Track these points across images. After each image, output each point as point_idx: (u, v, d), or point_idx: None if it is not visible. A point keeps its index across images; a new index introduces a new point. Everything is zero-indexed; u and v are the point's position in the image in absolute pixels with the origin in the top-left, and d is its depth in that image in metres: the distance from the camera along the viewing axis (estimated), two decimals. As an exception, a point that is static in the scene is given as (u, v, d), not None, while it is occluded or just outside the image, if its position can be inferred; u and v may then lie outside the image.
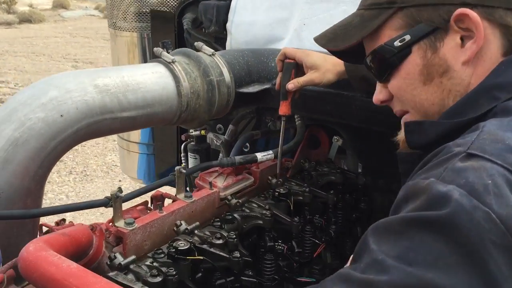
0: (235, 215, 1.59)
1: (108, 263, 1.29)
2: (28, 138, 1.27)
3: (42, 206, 1.50)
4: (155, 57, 1.65)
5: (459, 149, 0.77)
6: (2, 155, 1.25)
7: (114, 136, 4.01)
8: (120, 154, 3.05)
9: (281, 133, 1.72)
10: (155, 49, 1.64)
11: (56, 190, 5.43)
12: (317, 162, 2.01)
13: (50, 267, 1.02)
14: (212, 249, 1.38)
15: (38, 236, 1.49)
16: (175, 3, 2.70)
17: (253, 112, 2.24)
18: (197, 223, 1.49)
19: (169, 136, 2.64)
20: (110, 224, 1.63)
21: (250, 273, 1.43)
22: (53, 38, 14.20)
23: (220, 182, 1.77)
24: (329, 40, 1.14)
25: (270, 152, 1.83)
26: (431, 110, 1.00)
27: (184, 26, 2.45)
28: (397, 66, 1.02)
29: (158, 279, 1.23)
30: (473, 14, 0.89)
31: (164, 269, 1.27)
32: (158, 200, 1.75)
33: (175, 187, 1.63)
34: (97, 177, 5.82)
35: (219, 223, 1.54)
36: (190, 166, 2.42)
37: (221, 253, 1.37)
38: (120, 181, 5.75)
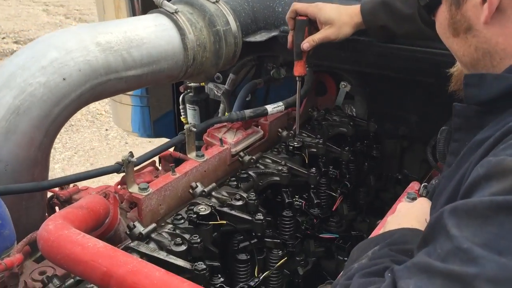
0: (250, 172, 1.53)
1: (128, 232, 1.22)
2: (30, 105, 1.17)
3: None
4: (154, 7, 1.52)
5: None
6: (4, 125, 1.15)
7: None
8: (112, 107, 2.92)
9: (297, 94, 1.63)
10: (154, -3, 1.51)
11: (42, 142, 5.29)
12: (325, 111, 1.94)
13: (75, 247, 0.96)
14: (233, 212, 1.32)
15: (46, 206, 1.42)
16: None
17: (254, 60, 2.13)
18: (214, 184, 1.43)
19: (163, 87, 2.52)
20: (119, 187, 1.57)
21: (270, 232, 1.38)
22: (20, -19, 13.45)
23: (230, 138, 1.69)
24: None
25: (280, 103, 1.75)
26: (463, 60, 0.96)
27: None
28: (435, 12, 0.98)
29: (183, 247, 1.18)
30: None
31: (187, 236, 1.21)
32: (167, 160, 1.67)
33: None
34: (83, 127, 5.67)
35: (235, 182, 1.48)
36: (189, 118, 2.33)
37: (244, 216, 1.31)
38: (107, 130, 5.62)
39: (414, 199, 1.37)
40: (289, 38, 1.57)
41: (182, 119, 2.39)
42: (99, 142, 5.35)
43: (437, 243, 0.66)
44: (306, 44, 1.51)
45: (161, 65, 1.42)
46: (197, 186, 1.42)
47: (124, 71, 1.32)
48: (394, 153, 1.94)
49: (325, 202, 1.66)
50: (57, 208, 1.53)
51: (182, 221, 1.28)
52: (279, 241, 1.34)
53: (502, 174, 0.65)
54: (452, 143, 1.01)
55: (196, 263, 1.12)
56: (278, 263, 1.34)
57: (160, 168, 1.73)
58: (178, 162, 1.72)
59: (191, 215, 1.27)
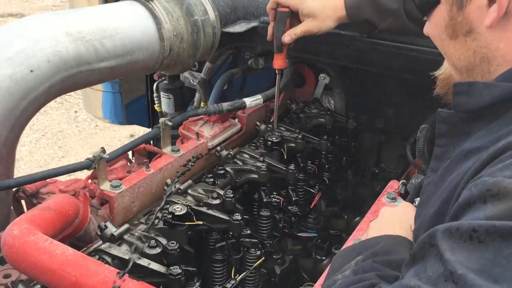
0: (228, 168, 1.49)
1: (99, 233, 1.17)
2: (-6, 99, 1.09)
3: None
4: (129, -6, 1.44)
5: None
6: (-34, 119, 1.08)
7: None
8: (82, 92, 2.81)
9: (276, 88, 1.57)
10: (128, -17, 1.43)
11: (8, 123, 5.11)
12: (304, 103, 1.90)
13: (42, 255, 0.90)
14: (210, 211, 1.28)
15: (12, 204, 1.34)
16: None
17: (232, 48, 2.07)
18: (190, 181, 1.38)
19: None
20: (90, 181, 1.50)
21: (248, 231, 1.35)
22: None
23: (206, 131, 1.64)
24: None
25: (259, 96, 1.70)
26: (458, 64, 0.92)
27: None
28: (431, 12, 0.94)
29: (157, 250, 1.13)
30: None
31: (161, 237, 1.16)
32: (141, 154, 1.61)
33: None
34: (51, 108, 5.49)
35: (211, 179, 1.43)
36: (163, 106, 2.26)
37: (221, 216, 1.27)
38: (76, 112, 5.47)
39: (393, 199, 1.35)
40: (269, 30, 1.51)
41: (156, 108, 2.31)
42: (68, 125, 5.20)
43: (428, 264, 0.64)
44: (287, 37, 1.46)
45: (136, 56, 1.35)
46: (172, 183, 1.37)
47: (96, 62, 1.25)
48: (371, 147, 1.92)
49: (303, 199, 1.63)
50: (23, 201, 1.46)
51: (157, 221, 1.23)
52: (256, 240, 1.31)
53: (498, 197, 0.62)
54: (436, 148, 0.99)
55: (171, 267, 1.08)
56: (256, 263, 1.30)
57: (133, 161, 1.67)
58: (152, 155, 1.66)
59: (166, 215, 1.22)
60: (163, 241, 1.15)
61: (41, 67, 1.13)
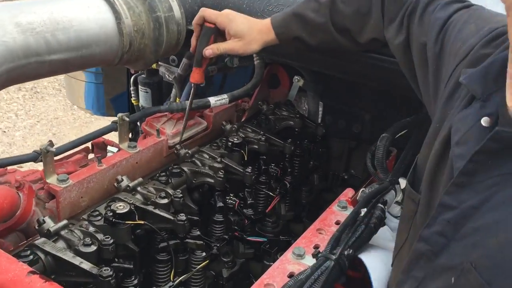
0: (184, 168, 1.47)
1: (37, 227, 1.16)
2: None
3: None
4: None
5: None
6: None
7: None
8: (65, 82, 2.81)
9: (190, 99, 1.55)
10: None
11: (4, 107, 5.12)
12: (275, 105, 1.88)
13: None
14: (156, 211, 1.26)
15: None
16: None
17: (209, 45, 2.05)
18: (140, 179, 1.37)
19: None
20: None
21: (197, 232, 1.33)
22: None
23: (169, 129, 1.62)
24: None
25: (225, 96, 1.68)
26: None
27: None
28: None
29: (92, 248, 1.12)
30: None
31: (100, 236, 1.15)
32: (100, 148, 1.60)
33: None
34: (48, 94, 5.51)
35: (165, 178, 1.42)
36: (141, 101, 2.24)
37: (166, 215, 1.26)
38: (73, 99, 5.47)
39: (344, 208, 1.33)
40: (193, 41, 1.49)
41: (133, 101, 2.30)
42: (64, 112, 5.21)
43: None
44: (209, 50, 1.44)
45: (92, 49, 1.33)
46: (122, 180, 1.36)
47: (47, 54, 1.23)
48: (341, 153, 1.90)
49: (262, 202, 1.62)
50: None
51: (99, 218, 1.22)
52: (201, 242, 1.29)
53: None
54: (468, 163, 0.83)
55: (102, 268, 1.07)
56: (199, 266, 1.29)
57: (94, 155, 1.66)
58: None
59: (107, 212, 1.21)
60: (101, 238, 1.14)
61: (-15, 57, 1.12)
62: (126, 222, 1.20)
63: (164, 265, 1.28)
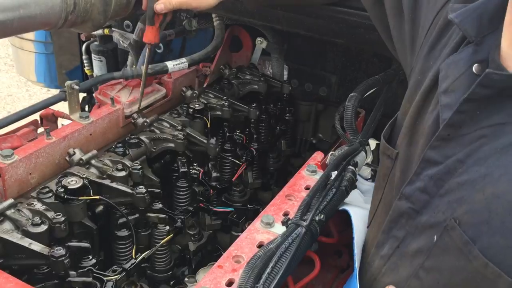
0: (142, 137, 1.37)
1: (-20, 209, 1.05)
2: None
3: None
4: None
5: None
6: None
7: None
8: (13, 54, 2.62)
9: (145, 62, 1.43)
10: None
11: (-47, 85, 4.85)
12: (238, 69, 1.78)
13: None
14: (112, 184, 1.17)
15: None
16: None
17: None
18: (94, 151, 1.26)
19: (68, 32, 2.25)
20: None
21: (159, 205, 1.24)
22: None
23: (124, 97, 1.51)
24: None
25: (184, 60, 1.58)
26: None
27: None
28: None
29: (43, 227, 1.02)
30: None
31: (50, 214, 1.05)
32: (49, 120, 1.48)
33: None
34: (0, 71, 5.23)
35: (122, 149, 1.32)
36: (95, 70, 2.11)
37: (124, 188, 1.16)
38: (28, 75, 5.21)
39: (313, 172, 1.27)
40: None
41: (87, 71, 2.16)
42: (18, 88, 4.96)
43: None
44: (161, 5, 1.31)
45: (31, 10, 1.20)
46: (74, 153, 1.25)
47: (-22, 16, 1.10)
48: (308, 117, 1.83)
49: (228, 171, 1.54)
50: None
51: (50, 194, 1.12)
52: (164, 216, 1.21)
53: None
54: (455, 114, 0.77)
55: (54, 249, 0.97)
56: (162, 241, 1.21)
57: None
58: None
59: (58, 188, 1.11)
60: (52, 216, 1.04)
61: None
62: (80, 198, 1.10)
63: (125, 242, 1.20)
